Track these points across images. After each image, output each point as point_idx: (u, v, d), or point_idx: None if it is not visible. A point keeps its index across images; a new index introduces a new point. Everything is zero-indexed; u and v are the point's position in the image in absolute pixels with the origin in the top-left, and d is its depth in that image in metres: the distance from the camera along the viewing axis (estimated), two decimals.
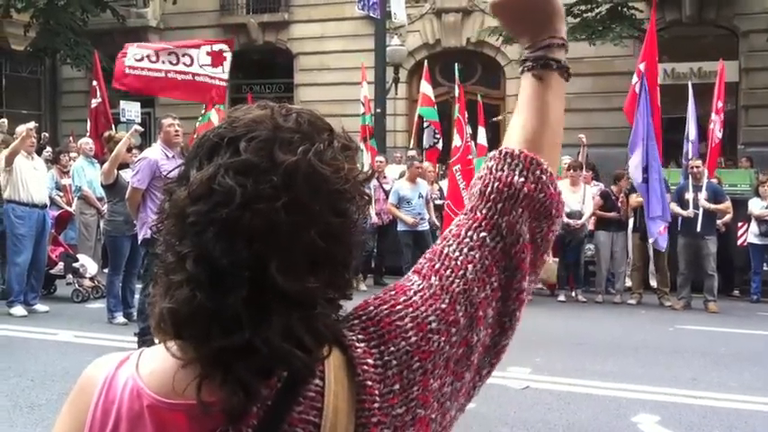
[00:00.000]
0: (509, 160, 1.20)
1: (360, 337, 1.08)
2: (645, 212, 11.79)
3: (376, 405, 1.04)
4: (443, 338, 1.08)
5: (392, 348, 1.06)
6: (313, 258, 1.04)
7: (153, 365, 1.10)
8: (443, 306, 1.10)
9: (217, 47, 12.77)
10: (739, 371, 7.90)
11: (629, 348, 8.91)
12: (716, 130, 12.81)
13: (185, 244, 1.03)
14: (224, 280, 1.01)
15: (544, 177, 1.20)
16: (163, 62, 12.38)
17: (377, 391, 1.04)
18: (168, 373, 1.07)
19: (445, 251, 1.16)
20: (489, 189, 1.18)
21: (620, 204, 12.54)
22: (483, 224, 1.16)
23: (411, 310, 1.09)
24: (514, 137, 1.26)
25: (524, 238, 1.17)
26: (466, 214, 1.20)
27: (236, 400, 1.01)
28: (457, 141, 12.84)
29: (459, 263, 1.14)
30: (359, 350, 1.06)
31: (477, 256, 1.14)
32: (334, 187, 1.06)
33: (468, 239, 1.16)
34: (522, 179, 1.18)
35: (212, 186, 1.02)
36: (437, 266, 1.14)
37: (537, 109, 1.27)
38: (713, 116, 12.86)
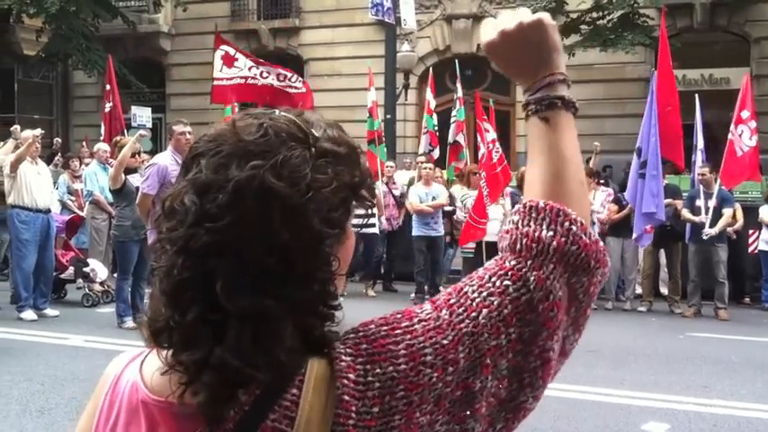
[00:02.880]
0: (534, 214, 1.14)
1: (348, 351, 1.05)
2: (636, 207, 11.67)
3: (351, 422, 1.01)
4: (436, 374, 1.04)
5: (378, 370, 1.03)
6: (268, 275, 1.03)
7: (152, 364, 1.14)
8: (444, 342, 1.06)
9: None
10: (751, 379, 7.86)
11: (640, 356, 8.87)
12: (744, 138, 12.65)
13: (159, 259, 1.08)
14: (184, 296, 1.04)
15: (574, 228, 1.13)
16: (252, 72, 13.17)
17: (354, 408, 1.01)
18: (160, 372, 1.10)
19: (465, 289, 1.12)
20: (518, 246, 1.13)
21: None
22: (509, 274, 1.11)
23: (409, 337, 1.06)
24: (535, 187, 1.20)
25: (555, 295, 1.10)
26: (495, 260, 1.16)
27: (210, 406, 1.03)
28: (482, 148, 12.85)
29: (474, 304, 1.09)
30: (343, 364, 1.04)
31: (495, 302, 1.09)
32: (287, 202, 1.03)
33: (490, 284, 1.11)
34: (551, 233, 1.12)
35: (174, 205, 1.05)
36: (452, 302, 1.10)
37: (552, 153, 1.21)
38: (733, 126, 12.67)
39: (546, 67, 1.25)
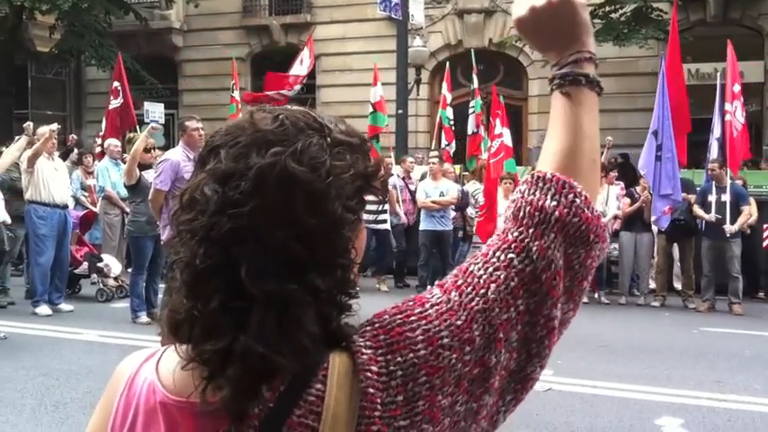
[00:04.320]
0: (541, 184, 1.16)
1: (368, 343, 1.06)
2: (653, 190, 11.89)
3: (377, 413, 1.02)
4: (455, 355, 1.05)
5: (399, 359, 1.04)
6: (291, 260, 1.04)
7: (169, 363, 1.14)
8: (459, 323, 1.07)
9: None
10: (764, 373, 7.82)
11: (653, 351, 8.85)
12: (738, 114, 12.60)
13: (178, 251, 1.08)
14: (206, 286, 1.04)
15: (578, 201, 1.15)
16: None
17: (378, 400, 1.02)
18: (179, 372, 1.10)
19: (471, 269, 1.13)
20: (521, 213, 1.15)
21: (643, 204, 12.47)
22: (512, 246, 1.13)
23: (424, 322, 1.07)
24: (548, 159, 1.22)
25: (557, 264, 1.12)
26: (498, 235, 1.17)
27: (234, 401, 1.03)
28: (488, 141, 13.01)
29: (482, 281, 1.11)
30: (364, 356, 1.04)
31: (502, 276, 1.11)
32: (309, 188, 1.05)
33: (494, 259, 1.12)
34: (555, 203, 1.14)
35: (194, 195, 1.06)
36: (459, 282, 1.12)
37: (569, 128, 1.23)
38: (729, 105, 12.61)
39: (574, 44, 1.26)
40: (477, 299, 1.09)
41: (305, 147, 1.07)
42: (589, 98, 1.25)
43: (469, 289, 1.10)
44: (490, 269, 1.12)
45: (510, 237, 1.14)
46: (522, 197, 1.17)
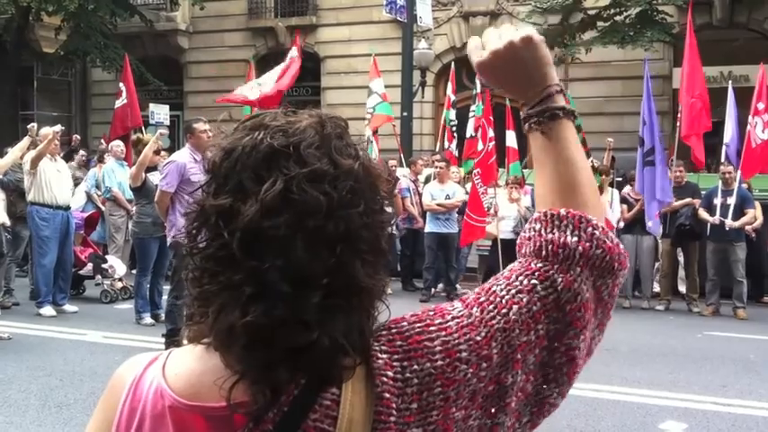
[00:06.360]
0: (557, 222, 1.17)
1: (383, 348, 1.07)
2: (645, 196, 12.11)
3: (392, 419, 1.03)
4: (471, 370, 1.06)
5: (415, 367, 1.05)
6: (377, 254, 1.08)
7: (179, 367, 1.12)
8: (478, 338, 1.08)
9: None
10: None
11: (657, 354, 8.84)
12: (758, 130, 12.64)
13: (263, 258, 1.02)
14: (307, 287, 1.02)
15: (597, 233, 1.16)
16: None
17: (394, 405, 1.03)
18: (192, 375, 1.09)
19: (493, 289, 1.15)
20: (544, 252, 1.16)
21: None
22: (536, 274, 1.14)
23: (444, 333, 1.08)
24: (551, 197, 1.22)
25: (583, 297, 1.14)
26: (520, 262, 1.18)
27: (261, 401, 1.02)
28: (479, 145, 12.88)
29: (504, 301, 1.12)
30: (380, 361, 1.05)
31: (524, 299, 1.12)
32: (384, 187, 1.10)
33: (518, 283, 1.14)
34: (576, 239, 1.15)
35: (290, 197, 1.02)
36: (482, 300, 1.13)
37: (563, 164, 1.22)
38: (751, 118, 12.69)
39: (541, 80, 1.25)
40: (499, 317, 1.11)
41: (362, 147, 1.12)
42: (570, 129, 1.25)
43: (491, 307, 1.12)
44: (513, 291, 1.13)
45: (533, 266, 1.16)
46: (540, 236, 1.17)
